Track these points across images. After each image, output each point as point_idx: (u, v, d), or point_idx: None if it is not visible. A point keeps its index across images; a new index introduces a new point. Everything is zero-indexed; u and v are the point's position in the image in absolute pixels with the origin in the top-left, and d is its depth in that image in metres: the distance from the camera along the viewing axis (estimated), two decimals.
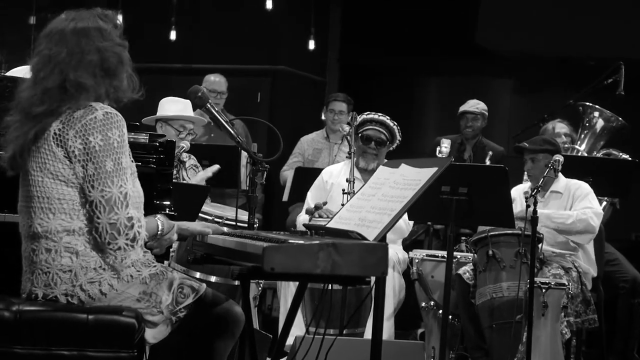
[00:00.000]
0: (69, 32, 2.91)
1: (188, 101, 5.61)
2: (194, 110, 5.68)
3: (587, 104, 6.85)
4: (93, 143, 2.81)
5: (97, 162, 2.80)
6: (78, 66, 2.87)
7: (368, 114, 5.72)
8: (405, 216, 5.77)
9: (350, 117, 5.61)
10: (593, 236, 5.55)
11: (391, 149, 5.78)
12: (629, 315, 6.10)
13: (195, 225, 3.22)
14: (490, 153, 7.06)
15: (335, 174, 5.83)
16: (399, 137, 5.72)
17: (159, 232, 3.02)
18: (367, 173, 5.62)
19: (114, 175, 2.81)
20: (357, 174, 5.62)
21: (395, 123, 5.71)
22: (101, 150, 2.81)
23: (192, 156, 5.74)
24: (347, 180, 5.34)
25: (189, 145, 5.70)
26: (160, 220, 3.03)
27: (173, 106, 5.69)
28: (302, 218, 5.73)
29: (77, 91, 2.86)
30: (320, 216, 5.48)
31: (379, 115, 5.69)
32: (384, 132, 5.67)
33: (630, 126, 6.76)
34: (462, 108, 7.44)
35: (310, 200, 5.85)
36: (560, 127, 6.64)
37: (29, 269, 2.91)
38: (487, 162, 6.91)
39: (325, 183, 5.83)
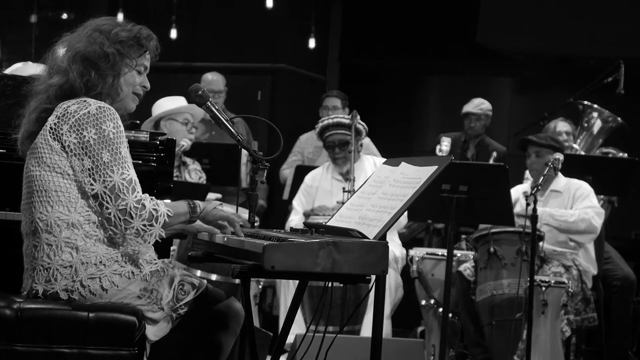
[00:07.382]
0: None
1: (182, 97, 5.64)
2: None
3: (586, 103, 6.85)
4: (87, 137, 2.82)
5: (94, 155, 2.82)
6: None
7: (322, 121, 5.84)
8: None
9: (351, 116, 5.62)
10: (595, 236, 5.54)
11: (362, 140, 5.82)
12: (624, 313, 6.09)
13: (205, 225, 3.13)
14: (495, 154, 7.01)
15: (317, 178, 5.95)
16: (360, 126, 5.68)
17: (192, 209, 2.97)
18: (344, 176, 5.71)
19: (112, 164, 2.81)
20: (338, 176, 5.74)
21: (349, 116, 5.71)
22: (96, 143, 2.82)
23: (197, 161, 5.77)
24: (346, 180, 5.36)
25: (189, 143, 5.72)
26: (188, 200, 2.99)
27: (170, 103, 5.72)
28: (295, 224, 5.75)
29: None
30: (317, 215, 5.52)
31: (331, 119, 5.79)
32: (340, 131, 5.74)
33: (629, 125, 6.77)
34: (466, 108, 7.34)
35: (298, 206, 5.93)
36: (562, 125, 6.64)
37: (30, 265, 2.92)
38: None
39: (310, 188, 5.93)
